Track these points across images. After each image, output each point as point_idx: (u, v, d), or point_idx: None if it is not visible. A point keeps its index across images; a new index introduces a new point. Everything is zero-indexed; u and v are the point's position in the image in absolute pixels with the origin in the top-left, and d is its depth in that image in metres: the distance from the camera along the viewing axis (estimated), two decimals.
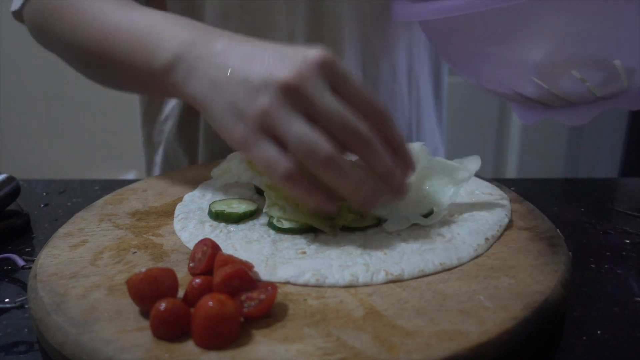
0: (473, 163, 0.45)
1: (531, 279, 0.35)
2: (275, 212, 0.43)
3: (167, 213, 0.48)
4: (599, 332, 0.36)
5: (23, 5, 0.62)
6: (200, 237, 0.40)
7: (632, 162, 1.68)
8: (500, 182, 0.55)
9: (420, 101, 0.77)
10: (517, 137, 1.75)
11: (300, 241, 0.41)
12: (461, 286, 0.35)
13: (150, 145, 0.80)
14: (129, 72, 0.52)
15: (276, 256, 0.38)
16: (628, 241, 0.49)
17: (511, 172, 1.79)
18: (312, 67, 0.39)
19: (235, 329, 0.30)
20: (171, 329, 0.30)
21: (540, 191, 0.64)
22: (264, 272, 0.36)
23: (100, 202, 0.51)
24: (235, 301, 0.31)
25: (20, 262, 0.44)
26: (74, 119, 1.83)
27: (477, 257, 0.39)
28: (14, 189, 0.54)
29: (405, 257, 0.38)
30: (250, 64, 0.41)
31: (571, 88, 0.42)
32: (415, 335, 0.30)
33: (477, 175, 0.55)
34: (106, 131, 1.83)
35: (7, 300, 0.40)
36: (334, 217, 0.42)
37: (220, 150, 0.72)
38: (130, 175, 1.77)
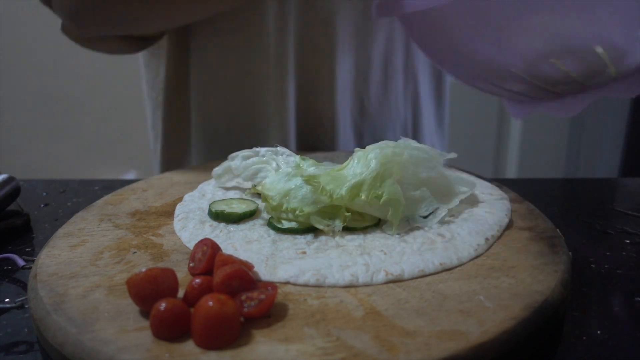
0: (469, 185, 0.46)
1: (531, 279, 0.35)
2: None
3: (167, 213, 0.48)
4: (599, 332, 0.36)
5: None
6: (200, 237, 0.40)
7: (632, 162, 1.68)
8: (500, 182, 0.55)
9: (419, 100, 0.77)
10: (517, 137, 1.75)
11: (300, 241, 0.41)
12: (461, 286, 0.35)
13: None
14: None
15: (276, 256, 0.38)
16: (628, 241, 0.49)
17: (511, 172, 1.79)
18: None
19: (235, 329, 0.30)
20: (171, 329, 0.30)
21: (540, 191, 0.64)
22: (264, 272, 0.36)
23: (100, 202, 0.51)
24: (235, 301, 0.31)
25: (20, 262, 0.44)
26: (74, 119, 1.83)
27: (477, 257, 0.39)
28: (14, 189, 0.54)
29: (405, 257, 0.38)
30: None
31: (555, 79, 0.42)
32: (415, 335, 0.30)
33: (477, 175, 0.56)
34: (106, 131, 1.83)
35: (7, 300, 0.40)
36: (334, 217, 0.42)
37: (213, 150, 0.72)
38: (130, 175, 1.77)
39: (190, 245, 0.41)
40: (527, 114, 0.47)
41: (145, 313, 0.32)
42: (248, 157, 0.51)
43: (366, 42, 0.69)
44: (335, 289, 0.35)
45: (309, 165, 0.45)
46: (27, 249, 0.49)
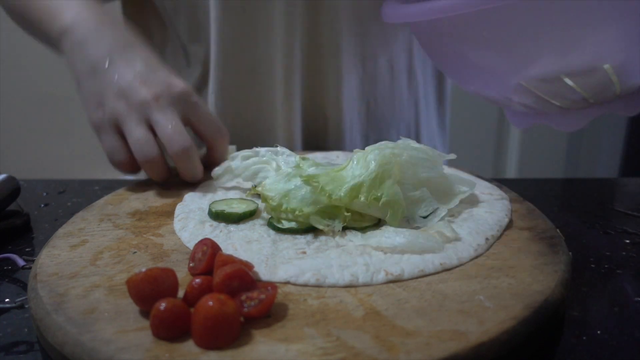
0: (468, 185, 0.46)
1: (531, 279, 0.35)
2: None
3: (167, 213, 0.48)
4: (599, 332, 0.36)
5: None
6: (200, 237, 0.40)
7: (632, 162, 1.68)
8: (500, 182, 0.55)
9: (420, 100, 0.77)
10: (517, 137, 1.75)
11: (300, 241, 0.41)
12: (461, 286, 0.35)
13: None
14: (39, 31, 0.62)
15: (276, 256, 0.38)
16: (628, 241, 0.49)
17: (511, 172, 1.79)
18: (168, 95, 0.51)
19: (235, 329, 0.30)
20: (171, 329, 0.30)
21: (540, 191, 0.64)
22: (264, 272, 0.36)
23: (100, 202, 0.51)
24: (235, 301, 0.31)
25: (20, 262, 0.44)
26: (74, 118, 1.83)
27: (477, 257, 0.39)
28: (14, 189, 0.54)
29: (405, 257, 0.38)
30: (125, 71, 0.52)
31: (563, 94, 0.42)
32: (415, 335, 0.30)
33: (477, 175, 0.56)
34: None
35: (7, 300, 0.40)
36: (334, 217, 0.42)
37: None
38: (130, 175, 1.77)
39: (190, 245, 0.41)
40: (530, 124, 0.48)
41: (145, 313, 0.32)
42: (248, 157, 0.51)
43: (372, 44, 0.69)
44: (335, 289, 0.35)
45: (309, 166, 0.45)
46: (27, 249, 0.49)
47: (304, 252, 0.39)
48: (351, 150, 0.72)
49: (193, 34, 0.69)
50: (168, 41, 0.72)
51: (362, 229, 0.42)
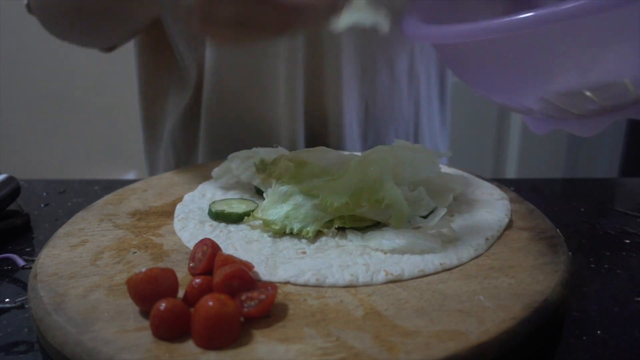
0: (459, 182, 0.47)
1: (531, 279, 0.35)
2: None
3: (167, 213, 0.48)
4: (599, 332, 0.36)
5: None
6: (200, 237, 0.40)
7: (632, 162, 1.67)
8: (500, 182, 0.55)
9: (421, 102, 0.77)
10: (517, 137, 1.75)
11: (300, 241, 0.41)
12: (461, 286, 0.35)
13: (152, 144, 0.80)
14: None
15: (276, 256, 0.38)
16: (628, 241, 0.49)
17: (511, 172, 1.79)
18: None
19: (235, 329, 0.30)
20: (171, 329, 0.30)
21: (540, 191, 0.64)
22: (264, 272, 0.36)
23: (100, 202, 0.51)
24: (235, 301, 0.31)
25: (21, 262, 0.44)
26: (74, 119, 1.83)
27: (477, 257, 0.39)
28: (14, 189, 0.54)
29: (405, 257, 0.38)
30: None
31: (582, 104, 0.43)
32: (415, 335, 0.30)
33: (477, 175, 0.56)
34: (106, 131, 1.83)
35: (7, 300, 0.40)
36: (334, 218, 0.42)
37: (221, 150, 0.72)
38: (130, 175, 1.77)
39: (190, 245, 0.41)
40: (549, 130, 0.48)
41: (145, 313, 0.32)
42: (248, 158, 0.51)
43: (371, 45, 0.70)
44: (335, 289, 0.35)
45: (306, 176, 0.45)
46: (27, 249, 0.49)
47: (304, 252, 0.39)
48: (351, 150, 0.72)
49: (193, 36, 0.69)
50: (167, 40, 0.72)
51: (362, 229, 0.42)
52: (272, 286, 0.33)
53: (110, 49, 0.71)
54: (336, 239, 0.41)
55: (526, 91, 0.44)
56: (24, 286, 0.42)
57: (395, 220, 0.41)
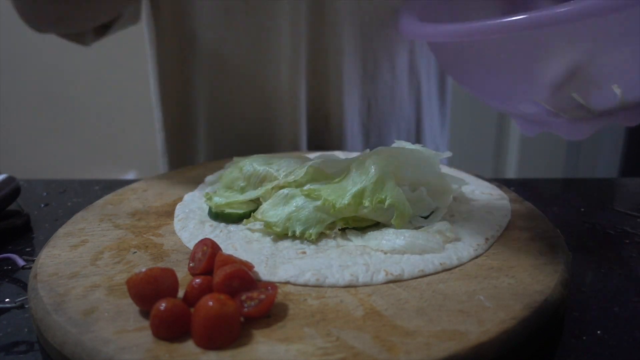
0: (458, 182, 0.47)
1: (531, 278, 0.35)
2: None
3: (167, 213, 0.48)
4: (599, 332, 0.36)
5: None
6: (200, 237, 0.40)
7: (632, 162, 1.67)
8: (500, 182, 0.55)
9: (422, 100, 0.77)
10: (517, 137, 1.75)
11: (300, 241, 0.41)
12: (461, 286, 0.35)
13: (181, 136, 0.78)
14: None
15: (276, 256, 0.38)
16: (628, 241, 0.49)
17: (511, 172, 1.79)
18: None
19: (235, 329, 0.30)
20: (171, 329, 0.30)
21: (540, 191, 0.64)
22: (264, 272, 0.36)
23: (100, 202, 0.51)
24: (235, 301, 0.31)
25: (21, 262, 0.44)
26: (74, 119, 1.83)
27: (477, 257, 0.39)
28: (14, 189, 0.54)
29: (405, 257, 0.38)
30: None
31: (571, 107, 0.43)
32: (415, 335, 0.30)
33: (477, 175, 0.56)
34: (106, 131, 1.83)
35: (7, 300, 0.40)
36: (336, 220, 0.42)
37: (222, 149, 0.72)
38: (130, 175, 1.77)
39: (190, 245, 0.41)
40: (538, 132, 0.49)
41: (145, 313, 0.32)
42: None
43: (373, 44, 0.70)
44: (335, 289, 0.35)
45: (307, 181, 0.44)
46: (27, 249, 0.49)
47: (304, 252, 0.39)
48: (352, 149, 0.72)
49: (191, 34, 0.69)
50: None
51: (362, 229, 0.42)
52: (272, 286, 0.33)
53: (91, 39, 0.69)
54: (336, 239, 0.41)
55: (516, 92, 0.45)
56: (24, 286, 0.42)
57: (398, 220, 0.41)
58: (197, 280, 0.33)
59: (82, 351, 0.29)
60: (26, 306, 0.37)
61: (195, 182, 0.55)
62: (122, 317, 0.32)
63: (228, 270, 0.33)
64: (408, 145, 0.47)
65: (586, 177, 1.43)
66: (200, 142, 0.74)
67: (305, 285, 0.35)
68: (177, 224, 0.45)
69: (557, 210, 0.57)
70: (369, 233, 0.41)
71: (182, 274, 0.37)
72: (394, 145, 0.48)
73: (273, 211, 0.42)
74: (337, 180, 0.43)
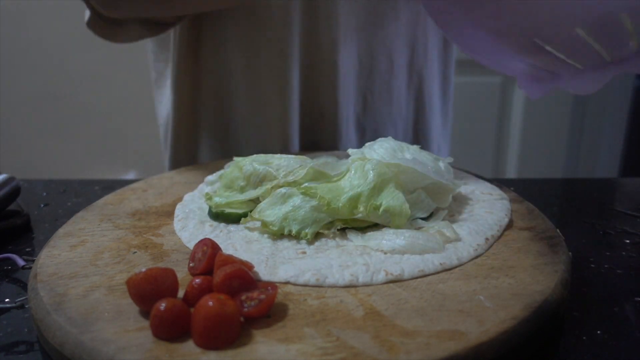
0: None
1: (531, 279, 0.35)
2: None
3: (167, 213, 0.48)
4: (599, 332, 0.36)
5: None
6: (200, 237, 0.40)
7: (632, 162, 1.68)
8: (500, 182, 0.55)
9: (423, 98, 0.76)
10: (517, 137, 1.75)
11: (300, 241, 0.41)
12: (461, 286, 0.35)
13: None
14: None
15: (276, 256, 0.38)
16: (628, 241, 0.49)
17: (511, 172, 1.79)
18: None
19: (236, 329, 0.30)
20: (171, 329, 0.30)
21: (540, 191, 0.64)
22: (264, 272, 0.36)
23: (100, 202, 0.51)
24: (235, 301, 0.31)
25: (21, 262, 0.44)
26: (74, 119, 1.83)
27: (477, 257, 0.39)
28: (14, 189, 0.54)
29: (405, 257, 0.38)
30: None
31: (577, 51, 0.41)
32: (415, 335, 0.30)
33: (477, 175, 0.56)
34: (106, 131, 1.83)
35: (7, 300, 0.40)
36: (333, 219, 0.42)
37: (217, 145, 0.72)
38: (130, 175, 1.77)
39: (190, 245, 0.41)
40: (545, 92, 0.47)
41: (145, 313, 0.32)
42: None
43: (369, 37, 0.69)
44: (335, 289, 0.35)
45: (306, 180, 0.44)
46: (27, 249, 0.49)
47: (304, 252, 0.39)
48: (347, 146, 0.71)
49: (194, 26, 0.69)
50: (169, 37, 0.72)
51: (363, 229, 0.42)
52: (272, 286, 0.33)
53: (139, 34, 0.66)
54: (336, 239, 0.41)
55: (518, 33, 0.42)
56: (24, 286, 0.42)
57: (395, 223, 0.41)
58: (197, 280, 0.33)
59: (82, 351, 0.29)
60: (26, 306, 0.37)
61: (195, 182, 0.55)
62: (122, 317, 0.32)
63: (228, 270, 0.33)
64: (411, 149, 0.47)
65: (586, 177, 1.43)
66: (201, 139, 0.73)
67: (305, 285, 0.35)
68: (177, 224, 0.45)
69: (557, 210, 0.57)
70: (369, 233, 0.41)
71: (182, 274, 0.37)
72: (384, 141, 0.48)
73: (270, 210, 0.42)
74: (335, 178, 0.43)
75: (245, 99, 0.70)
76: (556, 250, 0.39)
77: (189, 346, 0.29)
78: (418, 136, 0.78)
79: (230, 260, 0.35)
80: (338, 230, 0.42)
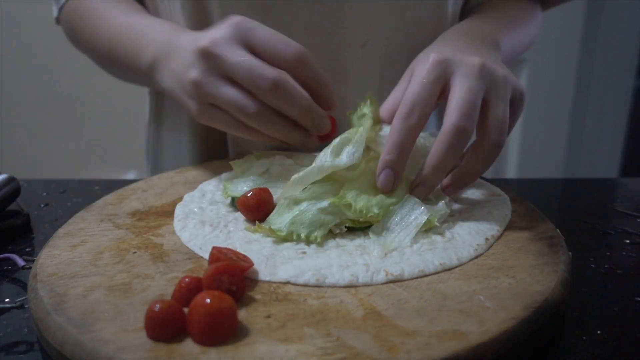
0: None
1: (531, 278, 0.35)
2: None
3: (167, 213, 0.48)
4: (599, 332, 0.36)
5: (59, 11, 0.70)
6: (200, 237, 0.41)
7: (632, 162, 1.68)
8: (500, 182, 0.55)
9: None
10: (517, 137, 1.75)
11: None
12: (461, 286, 0.35)
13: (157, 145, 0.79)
14: (128, 70, 0.61)
15: (276, 256, 0.38)
16: (628, 241, 0.49)
17: (511, 172, 1.79)
18: (224, 30, 0.45)
19: (235, 323, 0.30)
20: (166, 330, 0.30)
21: (540, 191, 0.64)
22: (264, 272, 0.36)
23: (100, 202, 0.51)
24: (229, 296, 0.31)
25: (20, 262, 0.44)
26: (74, 119, 1.84)
27: (477, 257, 0.39)
28: (14, 189, 0.54)
29: (405, 257, 0.38)
30: (192, 41, 0.47)
31: None
32: (415, 335, 0.30)
33: None
34: (106, 131, 1.83)
35: (7, 300, 0.40)
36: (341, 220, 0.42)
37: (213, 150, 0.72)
38: (130, 175, 1.77)
39: (190, 245, 0.41)
40: None
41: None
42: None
43: (367, 42, 0.69)
44: (335, 289, 0.35)
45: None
46: (27, 249, 0.49)
47: (304, 252, 0.39)
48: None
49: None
50: None
51: (363, 229, 0.42)
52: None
53: None
54: (336, 239, 0.41)
55: None
56: (24, 286, 0.42)
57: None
58: (187, 279, 0.33)
59: (82, 351, 0.29)
60: (26, 306, 0.37)
61: (195, 182, 0.55)
62: (122, 317, 0.32)
63: (217, 265, 0.33)
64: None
65: (586, 177, 1.43)
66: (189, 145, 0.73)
67: (305, 285, 0.35)
68: (177, 224, 0.45)
69: (557, 210, 0.57)
70: (381, 238, 0.41)
71: (182, 274, 0.37)
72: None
73: (276, 218, 0.42)
74: (355, 173, 0.44)
75: None
76: (556, 250, 0.39)
77: (189, 346, 0.29)
78: None
79: (223, 257, 0.35)
80: (346, 228, 0.42)
